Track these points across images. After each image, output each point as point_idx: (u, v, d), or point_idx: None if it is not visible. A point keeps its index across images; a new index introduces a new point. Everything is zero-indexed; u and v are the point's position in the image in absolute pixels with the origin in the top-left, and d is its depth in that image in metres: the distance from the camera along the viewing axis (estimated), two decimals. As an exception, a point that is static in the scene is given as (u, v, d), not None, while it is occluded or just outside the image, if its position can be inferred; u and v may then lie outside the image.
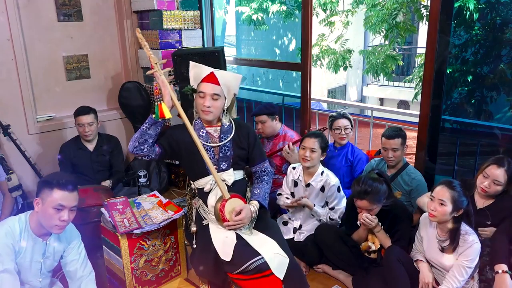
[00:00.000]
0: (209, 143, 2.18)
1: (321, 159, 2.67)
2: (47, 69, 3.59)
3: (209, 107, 2.11)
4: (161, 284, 2.53)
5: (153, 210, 2.48)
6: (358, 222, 2.45)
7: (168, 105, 2.10)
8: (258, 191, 2.26)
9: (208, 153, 2.15)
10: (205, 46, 4.09)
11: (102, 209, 2.45)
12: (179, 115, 2.17)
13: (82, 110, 3.20)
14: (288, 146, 2.99)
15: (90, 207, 2.72)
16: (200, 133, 2.18)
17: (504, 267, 2.01)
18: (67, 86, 3.73)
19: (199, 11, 3.90)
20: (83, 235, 2.66)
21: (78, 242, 2.09)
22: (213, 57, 3.27)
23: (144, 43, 2.18)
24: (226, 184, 2.18)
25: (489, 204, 2.29)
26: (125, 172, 3.62)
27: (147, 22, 3.80)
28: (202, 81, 2.13)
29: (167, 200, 2.59)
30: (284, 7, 7.88)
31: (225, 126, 2.22)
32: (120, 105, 3.89)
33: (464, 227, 2.07)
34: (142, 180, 3.83)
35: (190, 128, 2.10)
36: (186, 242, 2.62)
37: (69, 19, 3.63)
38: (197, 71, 2.18)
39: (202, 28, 4.02)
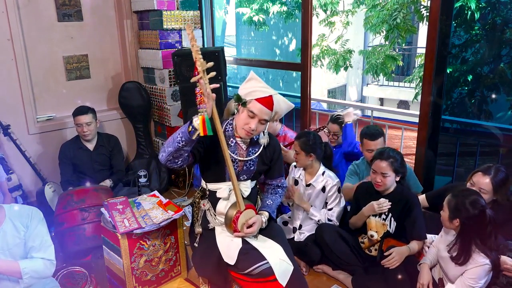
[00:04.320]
0: (236, 154, 2.07)
1: (311, 159, 2.62)
2: (47, 69, 3.59)
3: (253, 130, 1.96)
4: (161, 284, 2.52)
5: (153, 210, 2.48)
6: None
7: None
8: (271, 202, 2.22)
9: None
10: (205, 46, 4.09)
11: (102, 209, 2.45)
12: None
13: (80, 110, 3.20)
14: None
15: (90, 207, 2.72)
16: (229, 142, 2.07)
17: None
18: (67, 86, 3.74)
19: (199, 11, 3.91)
20: (83, 235, 2.68)
21: (36, 224, 1.92)
22: (213, 57, 3.27)
23: (193, 43, 1.80)
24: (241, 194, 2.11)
25: None
26: (125, 172, 3.62)
27: (147, 22, 3.80)
28: (257, 100, 1.93)
29: (167, 200, 2.59)
30: (284, 8, 7.87)
31: (255, 139, 2.12)
32: (120, 105, 3.90)
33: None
34: (142, 180, 3.82)
35: (224, 145, 1.93)
36: (186, 242, 2.62)
37: (69, 19, 3.64)
38: (256, 86, 1.97)
39: (202, 28, 4.02)
